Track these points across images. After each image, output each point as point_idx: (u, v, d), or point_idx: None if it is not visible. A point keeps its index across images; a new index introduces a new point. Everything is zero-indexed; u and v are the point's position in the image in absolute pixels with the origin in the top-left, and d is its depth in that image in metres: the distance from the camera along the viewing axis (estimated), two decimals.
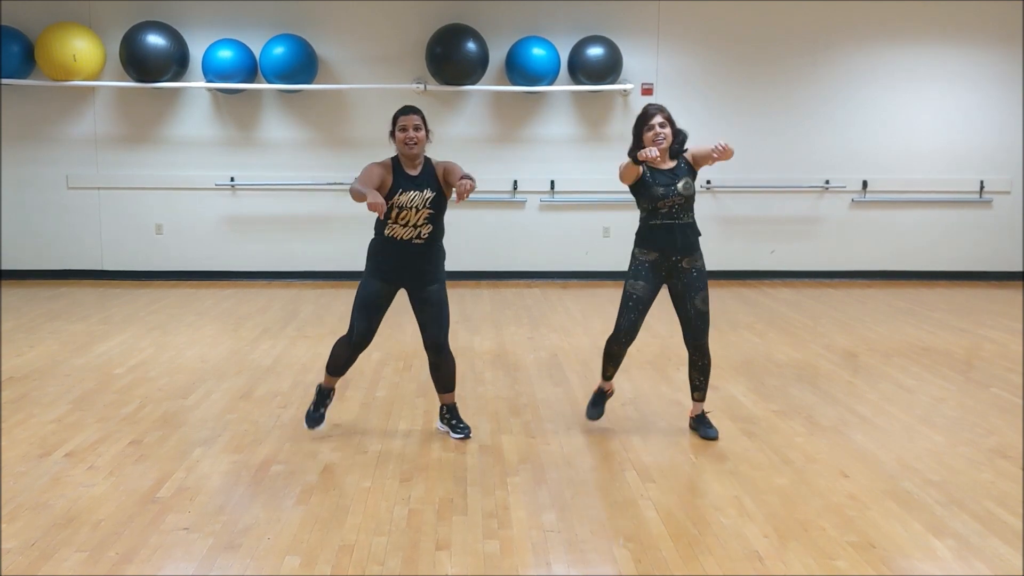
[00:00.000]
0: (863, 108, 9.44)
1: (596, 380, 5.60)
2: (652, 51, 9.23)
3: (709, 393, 5.33)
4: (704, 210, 9.36)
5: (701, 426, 4.65)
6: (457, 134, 9.25)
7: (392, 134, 4.43)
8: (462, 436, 4.56)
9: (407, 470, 4.14)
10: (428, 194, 4.39)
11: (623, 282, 4.65)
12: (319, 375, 5.68)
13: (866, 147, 9.50)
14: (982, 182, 9.54)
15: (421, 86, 8.92)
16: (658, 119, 4.40)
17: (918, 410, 5.09)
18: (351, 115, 9.20)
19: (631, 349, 6.35)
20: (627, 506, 3.76)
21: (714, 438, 4.57)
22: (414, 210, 4.37)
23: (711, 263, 9.21)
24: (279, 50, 8.62)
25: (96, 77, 8.86)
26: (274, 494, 3.87)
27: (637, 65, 9.19)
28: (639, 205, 4.53)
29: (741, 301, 8.38)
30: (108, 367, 5.90)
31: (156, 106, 9.11)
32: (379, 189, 4.32)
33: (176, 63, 8.74)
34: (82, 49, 8.56)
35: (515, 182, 9.33)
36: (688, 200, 4.44)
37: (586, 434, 4.65)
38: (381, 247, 4.49)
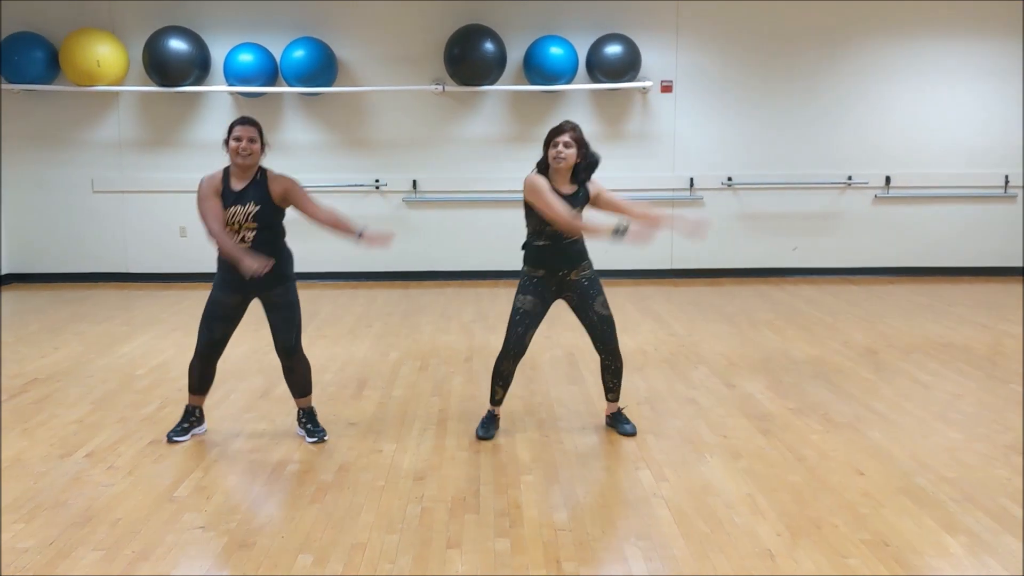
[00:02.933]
0: (886, 103, 9.37)
1: None
2: (671, 48, 9.21)
3: (726, 391, 5.36)
4: (725, 207, 9.43)
5: (618, 423, 4.67)
6: (475, 134, 9.29)
7: (226, 142, 4.36)
8: (317, 440, 4.52)
9: (421, 469, 4.17)
10: (251, 208, 4.32)
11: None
12: (336, 375, 5.77)
13: (889, 142, 9.42)
14: (1007, 176, 9.44)
15: (439, 87, 8.96)
16: (564, 137, 4.32)
17: (935, 406, 5.06)
18: (370, 117, 9.26)
19: (647, 347, 6.42)
20: (639, 505, 3.77)
21: (632, 434, 4.60)
22: (236, 224, 4.33)
23: (732, 260, 9.38)
24: (299, 53, 8.69)
25: (120, 82, 8.97)
26: (289, 493, 3.91)
27: (656, 62, 9.17)
28: (527, 222, 4.50)
29: (762, 298, 8.34)
30: (130, 368, 5.99)
31: (179, 110, 9.21)
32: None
33: (198, 67, 8.83)
34: (106, 55, 8.68)
35: None
36: None
37: (600, 433, 4.66)
38: (218, 255, 4.46)
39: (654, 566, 3.23)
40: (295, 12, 9.06)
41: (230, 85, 8.83)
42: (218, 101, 9.19)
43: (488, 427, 4.62)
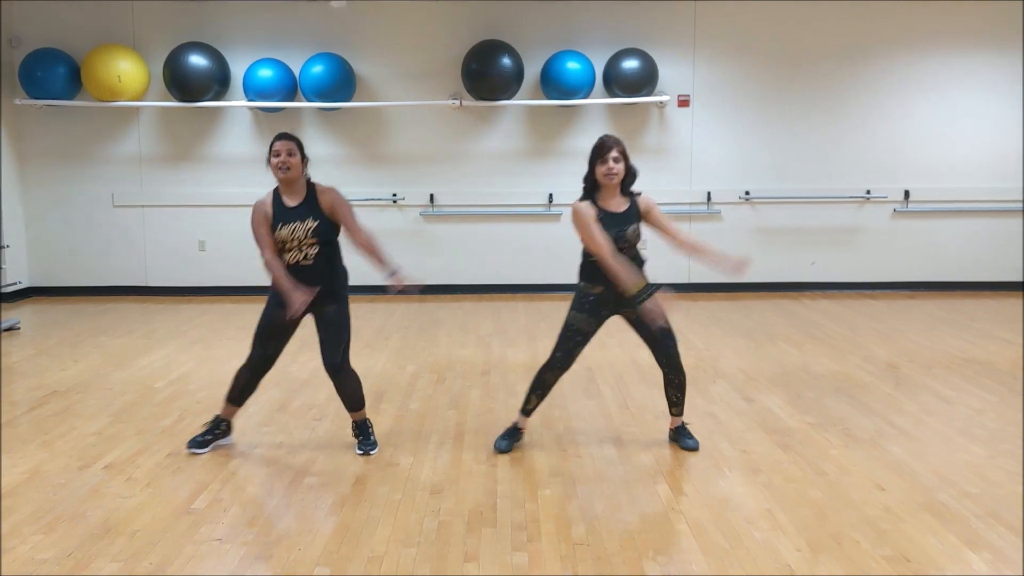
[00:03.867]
0: (905, 117, 9.33)
1: (630, 393, 5.62)
2: (688, 62, 9.21)
3: (745, 405, 5.33)
4: (743, 221, 9.39)
5: (681, 437, 4.64)
6: (493, 148, 9.31)
7: (268, 160, 4.39)
8: (363, 452, 4.53)
9: (438, 482, 4.16)
10: (310, 224, 4.33)
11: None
12: None
13: (908, 157, 9.38)
14: None
15: (457, 102, 8.99)
16: (613, 153, 4.33)
17: (958, 422, 5.00)
18: (389, 132, 9.30)
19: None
20: (658, 520, 3.74)
21: (694, 448, 4.57)
22: (296, 240, 4.33)
23: (751, 275, 9.21)
24: (318, 69, 8.75)
25: (140, 97, 9.06)
26: (307, 505, 3.91)
27: (673, 76, 9.17)
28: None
29: (780, 313, 8.30)
30: (149, 380, 6.02)
31: (198, 125, 9.28)
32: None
33: (218, 83, 8.90)
34: (127, 70, 8.76)
35: (550, 195, 9.35)
36: (632, 244, 4.38)
37: (618, 447, 4.64)
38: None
39: None
40: (314, 28, 9.12)
41: (250, 100, 8.89)
42: (238, 116, 9.26)
43: (510, 439, 4.61)
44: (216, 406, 5.38)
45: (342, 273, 4.53)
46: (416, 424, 5.05)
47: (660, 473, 4.26)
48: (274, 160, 4.35)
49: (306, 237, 4.32)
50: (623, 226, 4.37)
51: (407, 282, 4.33)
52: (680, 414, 4.67)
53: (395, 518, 3.76)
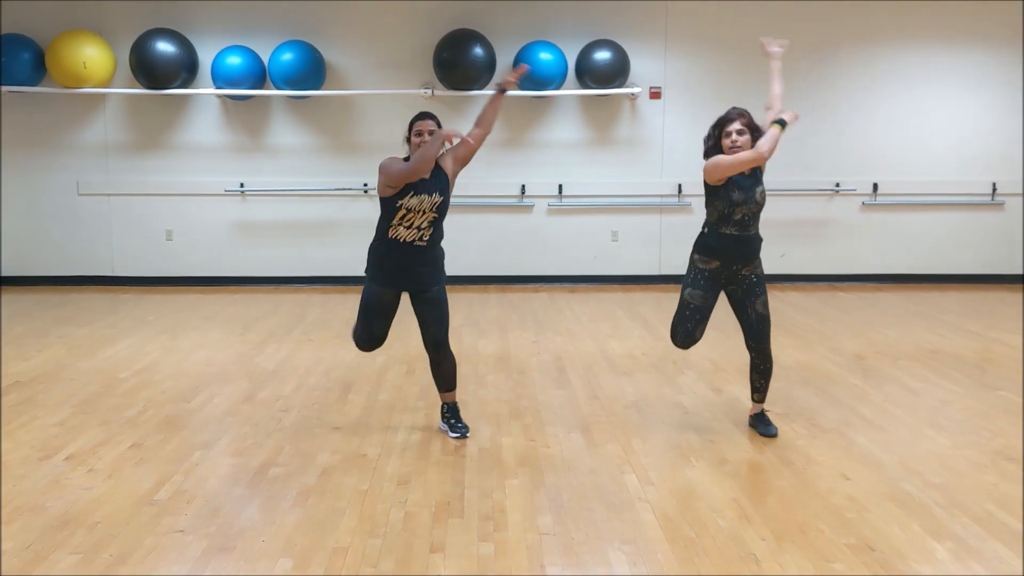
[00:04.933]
0: (873, 110, 9.39)
1: (599, 384, 5.62)
2: (660, 54, 9.21)
3: (713, 395, 5.35)
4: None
5: (760, 424, 4.65)
6: None
7: (408, 139, 4.52)
8: (459, 435, 4.59)
9: (405, 473, 4.13)
10: (436, 198, 4.43)
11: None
12: (321, 378, 5.76)
13: (877, 149, 9.44)
14: (994, 184, 9.46)
15: (429, 92, 8.94)
16: (736, 125, 4.33)
17: (923, 413, 5.04)
18: (359, 120, 9.23)
19: (636, 352, 6.42)
20: (624, 509, 3.74)
21: (773, 435, 4.57)
22: (421, 213, 4.41)
23: None
24: (287, 56, 8.66)
25: (106, 84, 8.93)
26: (271, 496, 3.87)
27: (645, 69, 9.17)
28: (712, 209, 4.42)
29: None
30: (114, 371, 5.93)
31: (166, 113, 9.16)
32: (393, 186, 4.44)
33: (186, 70, 8.79)
34: (92, 56, 8.63)
35: (523, 186, 9.33)
36: (760, 208, 4.39)
37: (586, 437, 4.63)
38: (384, 250, 4.52)
39: (638, 570, 3.20)
40: (283, 15, 9.03)
41: (218, 88, 8.78)
42: (205, 104, 9.15)
43: None
44: (181, 396, 5.34)
45: (442, 256, 4.61)
46: (385, 415, 5.02)
47: (627, 463, 4.26)
48: (415, 139, 4.46)
49: (431, 210, 4.41)
50: (752, 187, 4.36)
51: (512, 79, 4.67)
52: (762, 400, 4.69)
53: (361, 509, 3.72)
